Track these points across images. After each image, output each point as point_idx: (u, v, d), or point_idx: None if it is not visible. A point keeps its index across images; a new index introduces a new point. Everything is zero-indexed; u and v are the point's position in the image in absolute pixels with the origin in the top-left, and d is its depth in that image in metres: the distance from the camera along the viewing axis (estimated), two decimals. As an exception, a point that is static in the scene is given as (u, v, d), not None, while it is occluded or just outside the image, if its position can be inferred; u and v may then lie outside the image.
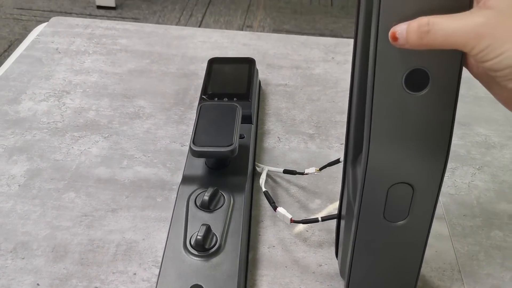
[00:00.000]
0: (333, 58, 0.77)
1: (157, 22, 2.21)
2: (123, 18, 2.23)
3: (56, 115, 0.63)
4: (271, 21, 2.27)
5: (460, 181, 0.55)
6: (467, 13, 0.30)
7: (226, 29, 2.19)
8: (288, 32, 2.19)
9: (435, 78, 0.34)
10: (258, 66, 0.71)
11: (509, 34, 0.28)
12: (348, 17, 2.32)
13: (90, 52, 0.76)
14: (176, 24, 2.22)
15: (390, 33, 0.31)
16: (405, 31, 0.30)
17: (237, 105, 0.53)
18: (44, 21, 0.85)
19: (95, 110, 0.64)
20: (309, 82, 0.72)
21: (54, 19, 0.84)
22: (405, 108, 0.34)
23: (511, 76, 0.29)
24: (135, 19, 2.23)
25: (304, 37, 0.83)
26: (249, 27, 2.21)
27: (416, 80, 0.34)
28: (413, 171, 0.37)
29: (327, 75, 0.73)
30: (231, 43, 0.80)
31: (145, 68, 0.73)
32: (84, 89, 0.68)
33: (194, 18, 2.27)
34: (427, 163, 0.36)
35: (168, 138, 0.61)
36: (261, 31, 2.18)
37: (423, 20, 0.30)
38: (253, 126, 0.58)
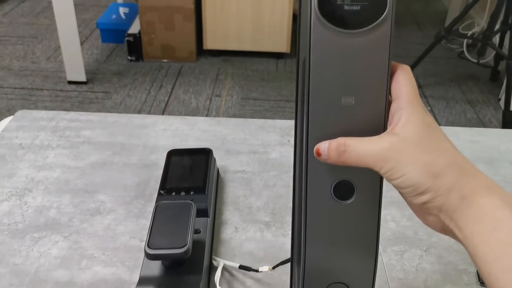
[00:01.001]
0: (288, 141, 0.81)
1: (128, 95, 2.26)
2: (94, 92, 2.27)
3: (17, 216, 0.65)
4: (239, 89, 2.34)
5: (408, 264, 0.58)
6: (377, 137, 0.34)
7: (195, 98, 2.26)
8: (256, 99, 2.27)
9: (360, 188, 0.37)
10: (217, 152, 0.75)
11: (410, 158, 0.32)
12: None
13: (54, 146, 0.78)
14: (147, 96, 2.27)
15: (315, 149, 0.35)
16: (327, 149, 0.34)
17: (191, 203, 0.55)
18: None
19: (56, 208, 0.66)
20: (265, 167, 0.75)
21: (19, 113, 0.87)
22: (335, 215, 0.38)
23: (413, 194, 0.33)
24: (106, 93, 2.28)
25: (262, 120, 0.87)
26: (218, 96, 2.28)
27: (343, 190, 0.37)
28: (347, 271, 0.40)
29: (282, 159, 0.77)
30: (191, 130, 0.83)
31: (106, 160, 0.76)
32: (46, 185, 0.70)
33: (164, 89, 2.33)
34: (359, 263, 0.40)
35: (127, 233, 0.62)
36: (229, 99, 2.25)
37: (341, 140, 0.34)
38: (209, 219, 0.60)
